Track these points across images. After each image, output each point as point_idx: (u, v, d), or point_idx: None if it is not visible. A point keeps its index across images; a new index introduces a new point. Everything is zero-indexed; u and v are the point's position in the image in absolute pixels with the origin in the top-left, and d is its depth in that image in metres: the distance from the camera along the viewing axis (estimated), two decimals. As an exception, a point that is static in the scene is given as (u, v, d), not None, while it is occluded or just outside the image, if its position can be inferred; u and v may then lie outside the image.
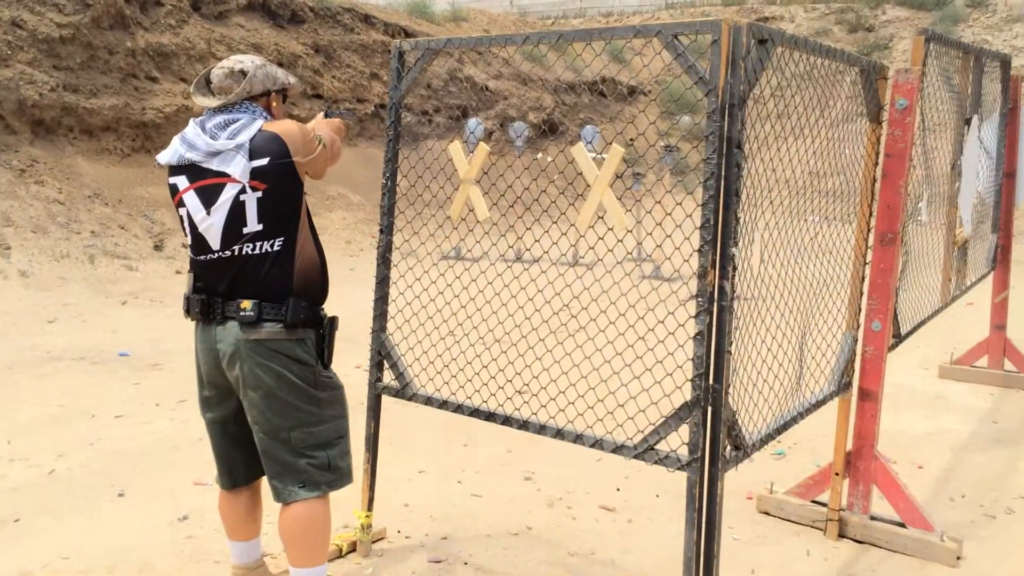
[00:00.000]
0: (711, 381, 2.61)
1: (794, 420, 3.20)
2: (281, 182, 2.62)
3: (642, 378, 2.81)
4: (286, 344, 2.65)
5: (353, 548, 3.44)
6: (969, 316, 7.19)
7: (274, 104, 2.81)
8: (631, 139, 2.99)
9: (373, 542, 3.50)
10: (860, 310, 3.70)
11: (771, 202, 3.20)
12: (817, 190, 3.48)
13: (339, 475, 2.78)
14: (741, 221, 2.63)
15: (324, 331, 2.75)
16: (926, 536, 3.60)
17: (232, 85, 2.72)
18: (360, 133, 15.35)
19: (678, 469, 2.67)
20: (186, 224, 2.72)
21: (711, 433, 2.64)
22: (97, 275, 9.10)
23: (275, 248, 2.64)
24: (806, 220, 3.35)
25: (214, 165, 2.61)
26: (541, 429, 2.96)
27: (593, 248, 2.93)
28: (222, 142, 2.61)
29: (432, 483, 4.18)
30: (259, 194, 2.60)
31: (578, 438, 2.86)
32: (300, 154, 2.67)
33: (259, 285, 2.64)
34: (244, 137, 2.61)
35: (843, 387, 3.67)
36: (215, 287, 2.69)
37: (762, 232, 3.00)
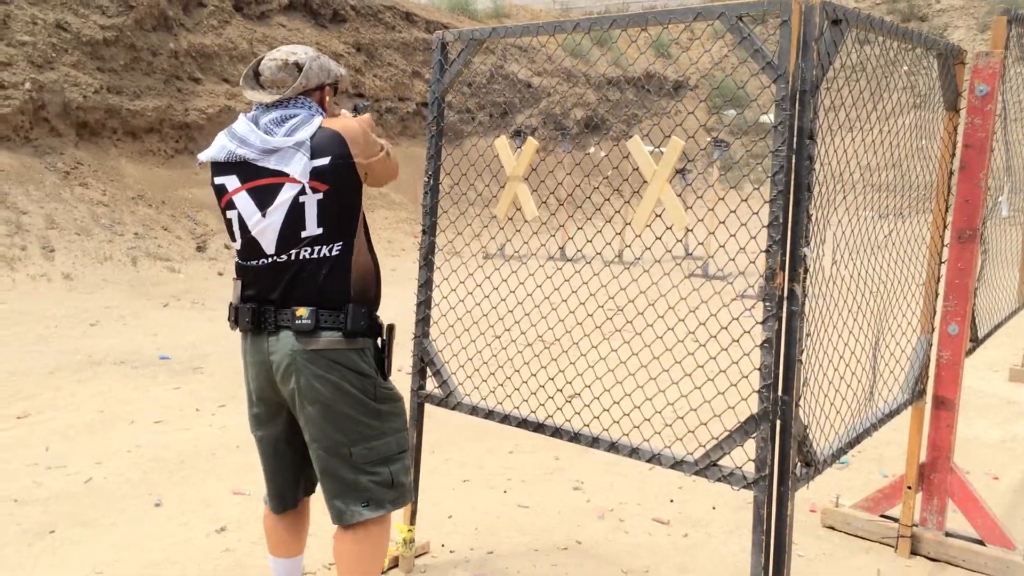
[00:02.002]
0: (780, 392, 2.40)
1: (867, 432, 2.97)
2: (343, 183, 2.44)
3: (703, 388, 2.59)
4: (345, 354, 2.46)
5: (395, 564, 3.28)
6: (1038, 315, 6.82)
7: (328, 98, 2.62)
8: (690, 135, 2.78)
9: (416, 557, 3.34)
10: (935, 312, 3.45)
11: (844, 197, 2.98)
12: (875, 185, 3.24)
13: (402, 492, 2.58)
14: (813, 219, 2.41)
15: (384, 340, 2.57)
16: (1007, 555, 3.34)
17: (285, 78, 2.52)
18: (402, 132, 15.27)
19: (744, 487, 2.46)
20: (236, 227, 2.51)
21: (780, 449, 2.43)
22: (140, 277, 9.10)
23: (333, 253, 2.46)
24: (876, 217, 3.11)
25: (271, 164, 2.42)
26: (593, 442, 2.77)
27: (650, 248, 2.73)
28: (280, 139, 2.42)
29: (477, 493, 4.01)
30: (320, 195, 2.41)
31: (633, 452, 2.67)
32: (362, 155, 2.49)
33: (316, 291, 2.45)
34: (304, 134, 2.42)
35: (917, 395, 3.42)
36: (267, 294, 2.49)
37: (834, 230, 2.78)
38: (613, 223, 2.73)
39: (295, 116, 2.48)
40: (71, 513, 3.75)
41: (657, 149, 2.76)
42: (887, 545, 3.55)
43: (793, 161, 2.35)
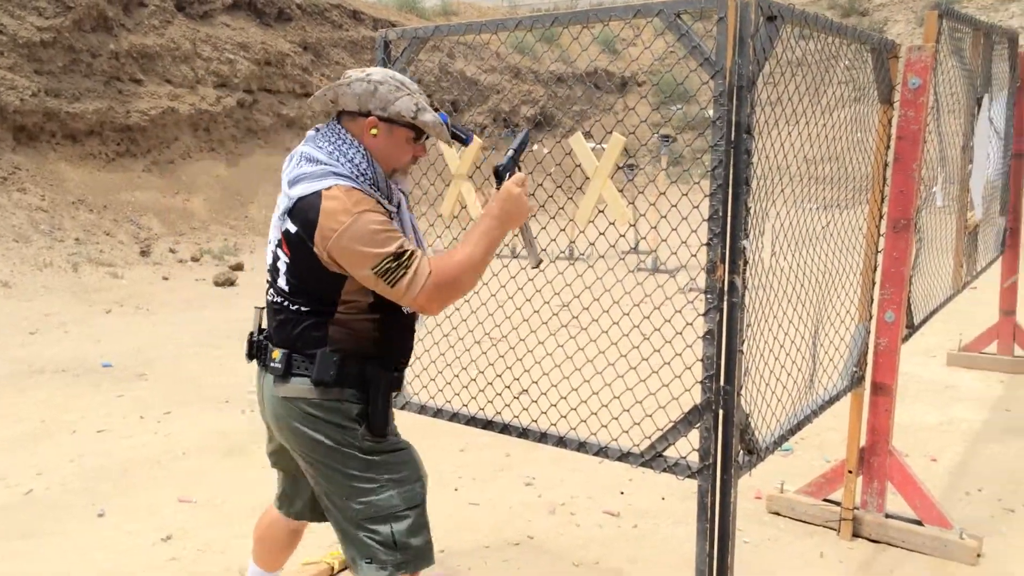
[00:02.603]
0: (722, 383, 2.44)
1: (808, 419, 3.04)
2: (306, 258, 2.14)
3: (648, 381, 2.63)
4: (316, 403, 2.21)
5: (345, 566, 3.27)
6: (973, 301, 7.00)
7: (372, 133, 2.21)
8: (631, 131, 2.81)
9: (368, 558, 3.33)
10: (873, 301, 3.53)
11: (782, 190, 3.04)
12: (817, 177, 3.31)
13: (412, 555, 2.28)
14: (752, 211, 2.46)
15: (371, 393, 2.24)
16: (944, 534, 3.44)
17: (331, 91, 2.24)
18: (349, 131, 15.14)
19: (688, 477, 2.50)
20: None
21: (723, 438, 2.47)
22: (81, 283, 8.90)
23: (304, 309, 2.22)
24: (809, 209, 3.18)
25: (278, 200, 2.26)
26: (542, 437, 2.79)
27: (593, 243, 2.76)
28: (285, 183, 2.19)
29: (428, 492, 4.00)
30: (286, 259, 2.20)
31: (581, 446, 2.69)
32: (329, 251, 2.09)
33: (291, 335, 2.23)
34: (298, 191, 2.13)
35: (856, 381, 3.50)
36: (269, 330, 2.34)
37: (773, 222, 2.83)
38: (558, 220, 2.74)
39: (316, 163, 2.17)
40: (11, 525, 3.66)
41: (599, 146, 2.79)
42: (830, 528, 3.63)
43: (731, 155, 2.40)
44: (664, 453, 2.57)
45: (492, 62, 16.70)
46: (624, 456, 2.62)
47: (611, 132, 2.70)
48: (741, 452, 2.55)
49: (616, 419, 2.64)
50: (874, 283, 3.52)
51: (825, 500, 3.74)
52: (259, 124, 13.86)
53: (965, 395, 5.47)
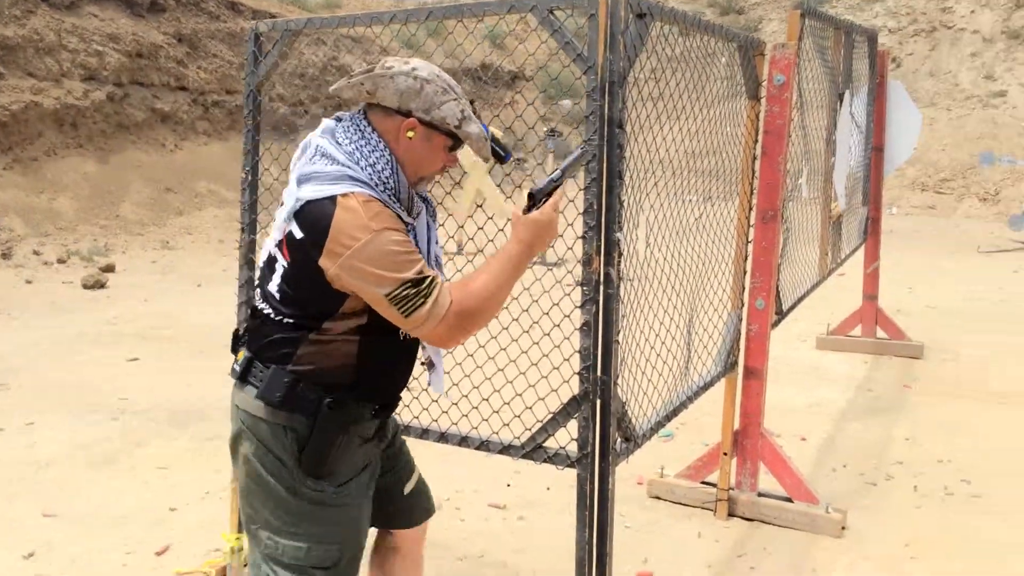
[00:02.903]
0: (599, 373, 2.49)
1: (683, 405, 3.13)
2: (307, 269, 1.90)
3: (528, 373, 2.67)
4: (262, 424, 1.97)
5: (223, 574, 3.18)
6: (840, 287, 7.36)
7: (408, 135, 1.97)
8: (509, 127, 2.82)
9: (245, 566, 3.24)
10: (744, 289, 3.67)
11: (655, 184, 3.12)
12: (699, 170, 3.42)
13: None
14: (625, 204, 2.52)
15: (318, 425, 1.95)
16: (812, 509, 3.62)
17: (369, 81, 1.97)
18: (231, 126, 14.71)
19: (567, 467, 2.54)
20: None
21: (601, 427, 2.52)
22: (-63, 286, 8.35)
23: (288, 321, 1.97)
24: (689, 201, 3.28)
25: (284, 194, 2.00)
26: (423, 433, 2.79)
27: (472, 238, 2.77)
28: (292, 180, 1.95)
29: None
30: (285, 263, 1.95)
31: (463, 440, 2.70)
32: (335, 268, 1.86)
33: (261, 342, 2.00)
34: (308, 192, 1.89)
35: (729, 367, 3.64)
36: (243, 326, 2.15)
37: (647, 215, 2.91)
38: (455, 216, 2.72)
39: (331, 160, 1.94)
40: None
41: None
42: (708, 509, 3.77)
43: (605, 150, 2.44)
44: (544, 444, 2.60)
45: (379, 56, 16.52)
46: (506, 449, 2.64)
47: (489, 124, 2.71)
48: (619, 440, 2.61)
49: (497, 412, 2.66)
50: (745, 272, 3.65)
51: (703, 482, 3.87)
52: (131, 119, 13.29)
53: (832, 377, 5.75)
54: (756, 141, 3.53)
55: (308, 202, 1.88)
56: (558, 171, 2.09)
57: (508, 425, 2.65)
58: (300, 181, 1.92)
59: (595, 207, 2.44)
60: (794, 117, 3.62)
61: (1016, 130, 12.29)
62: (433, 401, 2.76)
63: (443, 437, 2.74)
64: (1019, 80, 13.02)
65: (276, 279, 1.97)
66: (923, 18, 14.21)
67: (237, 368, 2.02)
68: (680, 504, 3.85)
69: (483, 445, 2.67)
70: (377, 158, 1.95)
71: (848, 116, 4.62)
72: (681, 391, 3.20)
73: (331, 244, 1.84)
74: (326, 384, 1.95)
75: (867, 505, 3.88)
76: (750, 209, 3.60)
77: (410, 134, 1.97)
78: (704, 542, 3.54)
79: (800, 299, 4.26)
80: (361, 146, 1.96)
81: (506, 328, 2.68)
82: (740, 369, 3.72)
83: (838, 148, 4.47)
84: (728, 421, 3.73)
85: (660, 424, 2.94)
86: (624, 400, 2.63)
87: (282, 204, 1.98)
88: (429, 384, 2.24)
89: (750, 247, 3.62)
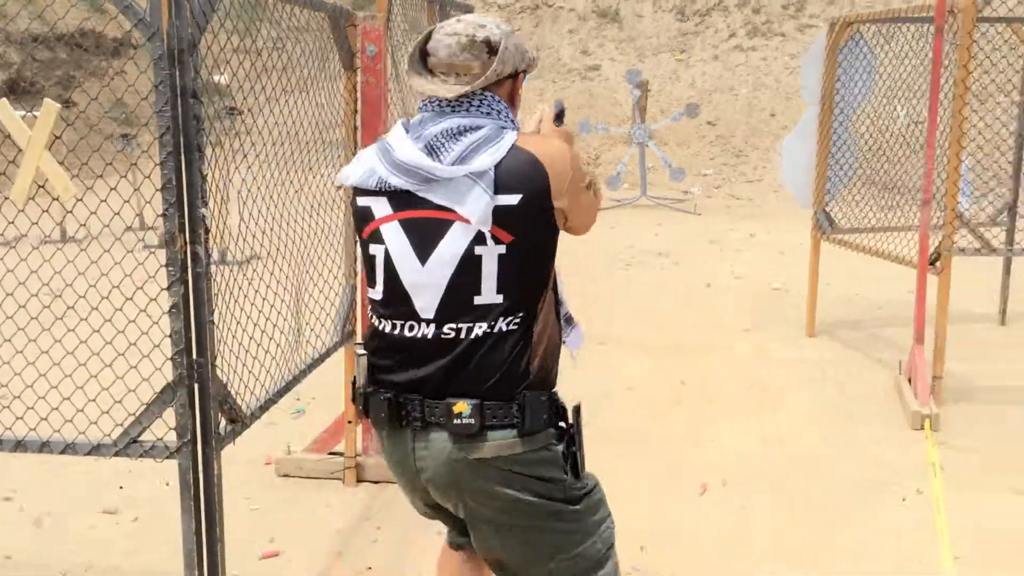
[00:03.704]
0: (195, 356, 2.39)
1: (296, 379, 3.11)
2: (535, 233, 1.80)
3: (115, 365, 2.48)
4: (523, 459, 1.82)
5: None
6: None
7: (519, 93, 1.95)
8: (119, 98, 2.56)
9: None
10: (356, 259, 3.72)
11: (257, 156, 3.03)
12: (305, 141, 3.40)
13: None
14: (209, 179, 2.41)
15: (572, 428, 1.89)
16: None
17: (470, 62, 1.82)
18: None
19: (168, 458, 2.42)
20: (379, 269, 1.86)
21: (201, 412, 2.42)
22: None
23: (511, 327, 1.80)
24: (295, 172, 3.25)
25: (436, 197, 1.77)
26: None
27: (84, 224, 2.50)
28: (448, 167, 1.76)
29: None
30: (502, 248, 1.77)
31: (44, 446, 2.45)
32: (567, 194, 1.81)
33: (483, 381, 1.79)
34: (487, 160, 1.75)
35: (347, 336, 3.67)
36: (414, 378, 1.83)
37: (239, 189, 2.82)
38: (39, 199, 2.38)
39: (477, 129, 1.80)
40: None
41: (31, 113, 2.51)
42: (337, 479, 3.81)
43: (180, 121, 2.32)
44: (140, 438, 2.45)
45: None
46: (95, 449, 2.44)
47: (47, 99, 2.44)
48: (223, 422, 2.53)
49: (82, 411, 2.45)
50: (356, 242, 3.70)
51: (331, 453, 3.90)
52: None
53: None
54: (355, 111, 3.57)
55: (498, 166, 1.76)
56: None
57: (96, 423, 2.45)
58: (460, 160, 1.76)
59: (174, 182, 2.31)
60: (391, 88, 3.71)
61: (609, 100, 13.77)
62: (5, 407, 2.47)
63: (20, 445, 2.46)
64: (609, 55, 14.59)
65: (491, 281, 1.77)
66: (526, -4, 15.35)
67: (470, 421, 1.76)
68: (310, 478, 3.85)
69: (69, 449, 2.44)
70: (508, 113, 1.90)
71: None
72: (294, 365, 3.17)
73: (555, 181, 1.78)
74: (550, 386, 1.88)
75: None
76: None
77: (521, 90, 1.98)
78: (333, 511, 3.58)
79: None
80: (500, 111, 1.88)
81: (85, 319, 2.47)
82: (359, 338, 3.78)
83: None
84: (349, 390, 3.77)
85: (272, 401, 2.90)
86: (226, 381, 2.55)
87: (465, 194, 1.76)
88: (567, 343, 2.02)
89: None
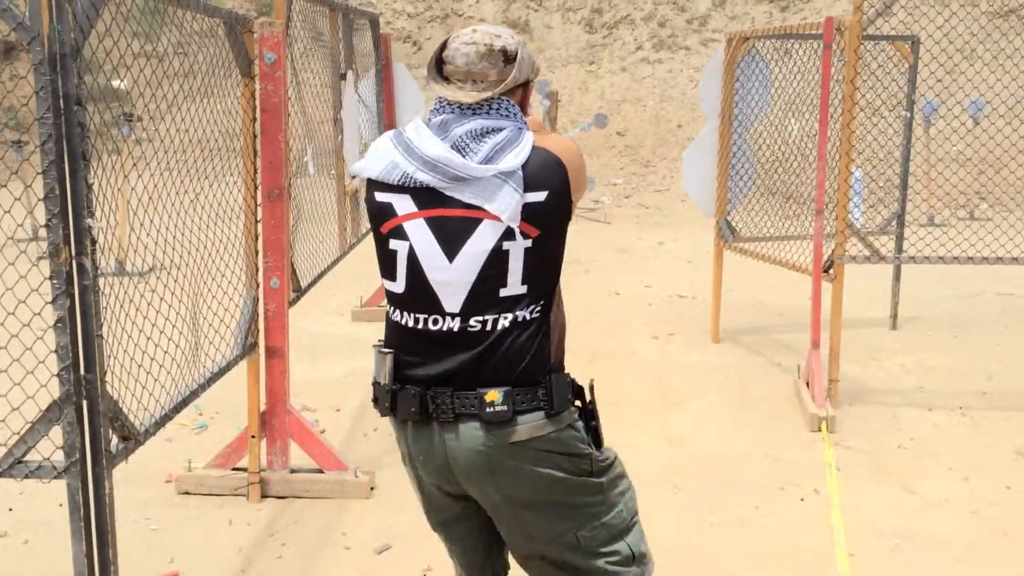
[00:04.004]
0: (83, 372, 2.30)
1: (195, 394, 3.03)
2: (556, 227, 1.91)
3: (-3, 382, 2.37)
4: (553, 439, 1.93)
5: None
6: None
7: (528, 100, 2.05)
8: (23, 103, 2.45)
9: None
10: (259, 269, 3.65)
11: (159, 164, 2.95)
12: (208, 149, 3.32)
13: (647, 561, 2.12)
14: (98, 188, 2.34)
15: (590, 403, 2.03)
16: (342, 476, 3.76)
17: (487, 70, 1.91)
18: None
19: (56, 478, 2.32)
20: (402, 265, 1.91)
21: (90, 430, 2.34)
22: None
23: (533, 315, 1.91)
24: (217, 181, 3.18)
25: (465, 195, 1.85)
26: None
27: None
28: (478, 165, 1.84)
29: None
30: (529, 243, 1.87)
31: (-84, 469, 2.32)
32: (579, 188, 1.96)
33: (511, 368, 1.89)
34: (515, 160, 1.86)
35: (249, 348, 3.60)
36: (440, 371, 1.90)
37: (128, 198, 2.74)
38: None
39: (500, 130, 1.89)
40: None
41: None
42: (240, 495, 3.72)
43: (63, 128, 2.24)
44: (26, 458, 2.34)
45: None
46: (-26, 470, 2.33)
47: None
48: (115, 440, 2.45)
49: (-41, 431, 2.33)
50: (257, 252, 3.63)
51: (234, 469, 3.80)
52: None
53: (367, 346, 5.95)
54: (254, 119, 3.51)
55: (524, 166, 1.86)
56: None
57: (-25, 444, 2.34)
58: (487, 160, 1.85)
59: (57, 192, 2.23)
60: (292, 96, 3.66)
61: (520, 110, 13.89)
62: None
63: None
64: (520, 65, 14.73)
65: (516, 274, 1.87)
66: (437, 5, 15.34)
67: (502, 407, 1.87)
68: (212, 495, 3.75)
69: (-55, 471, 2.32)
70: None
71: (353, 96, 4.81)
72: (192, 380, 3.09)
73: (573, 175, 1.91)
74: (562, 365, 2.01)
75: (394, 462, 4.08)
76: (256, 188, 3.58)
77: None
78: (236, 528, 3.49)
79: (321, 275, 4.36)
80: (516, 114, 1.96)
81: (-34, 333, 2.35)
82: (262, 350, 3.71)
83: (346, 127, 4.63)
84: (254, 403, 3.70)
85: (168, 417, 2.81)
86: (118, 398, 2.47)
87: (495, 191, 1.85)
88: None
89: (260, 227, 3.60)
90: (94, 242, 2.30)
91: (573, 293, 7.31)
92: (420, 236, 1.89)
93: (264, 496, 3.72)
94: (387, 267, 1.96)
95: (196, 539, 3.39)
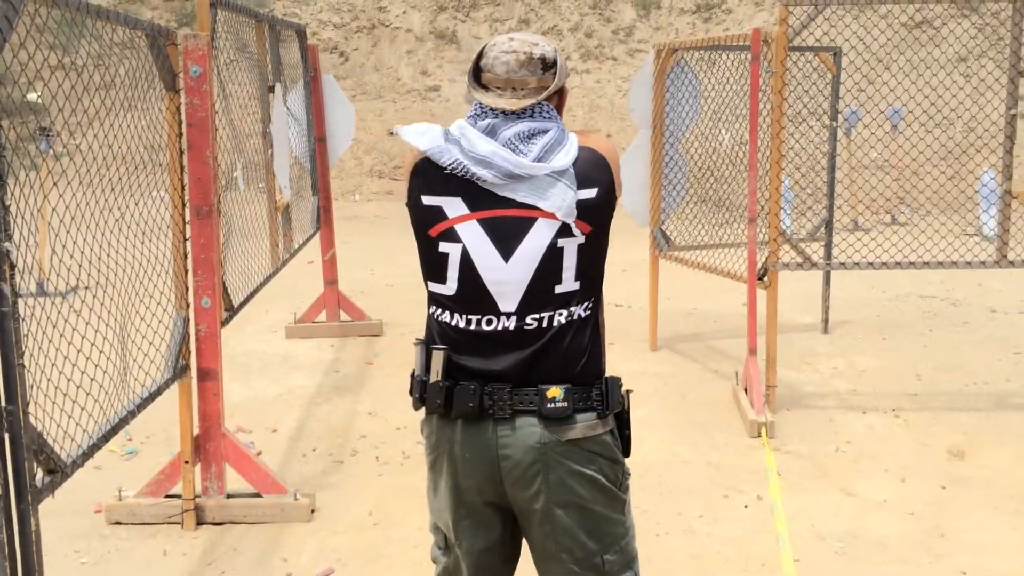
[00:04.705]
0: (3, 404, 2.18)
1: (124, 420, 2.90)
2: (605, 223, 1.97)
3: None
4: (601, 440, 1.97)
5: None
6: (311, 275, 7.58)
7: (564, 105, 2.06)
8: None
9: None
10: (188, 288, 3.53)
11: (82, 181, 2.82)
12: (134, 165, 3.19)
13: None
14: (13, 209, 2.21)
15: (626, 410, 2.03)
16: (281, 499, 3.65)
17: (527, 78, 1.93)
18: None
19: (-25, 517, 2.18)
20: (454, 267, 1.92)
21: (14, 464, 2.21)
22: None
23: (587, 312, 1.97)
24: (144, 197, 3.04)
25: (519, 194, 1.88)
26: None
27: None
28: (532, 163, 1.87)
29: None
30: (582, 239, 1.92)
31: None
32: (620, 185, 2.00)
33: (570, 365, 1.94)
34: (566, 159, 1.90)
35: (181, 371, 3.47)
36: (498, 368, 1.92)
37: (48, 218, 2.61)
38: None
39: (545, 131, 1.92)
40: None
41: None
42: (175, 523, 3.58)
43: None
44: (-59, 497, 2.20)
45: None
46: None
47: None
48: (40, 475, 2.32)
49: None
50: (187, 271, 3.51)
51: (167, 496, 3.66)
52: None
53: (302, 363, 5.88)
54: (180, 134, 3.39)
55: (575, 163, 1.90)
56: None
57: None
58: (540, 158, 1.88)
59: (-29, 214, 2.10)
60: (219, 110, 3.55)
61: (449, 121, 13.79)
62: None
63: None
64: (449, 76, 14.67)
65: (571, 270, 1.91)
66: (363, 15, 15.20)
67: (563, 403, 1.89)
68: (145, 524, 3.60)
69: None
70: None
71: (282, 109, 4.70)
72: (122, 406, 2.96)
73: (615, 173, 1.97)
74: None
75: (335, 483, 4.03)
76: (183, 205, 3.46)
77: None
78: (171, 559, 3.35)
79: (253, 293, 4.23)
80: (556, 117, 1.99)
81: None
82: (194, 372, 3.58)
83: (275, 140, 4.52)
84: (187, 427, 3.57)
85: (96, 447, 2.69)
86: (42, 429, 2.34)
87: (546, 189, 1.88)
88: None
89: (189, 244, 3.48)
90: (12, 267, 2.17)
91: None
92: (474, 237, 1.91)
93: (200, 523, 3.59)
94: (436, 270, 1.97)
95: (129, 572, 3.25)
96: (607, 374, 2.02)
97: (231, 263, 3.88)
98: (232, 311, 3.86)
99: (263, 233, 4.52)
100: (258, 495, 3.67)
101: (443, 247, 1.94)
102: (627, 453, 2.05)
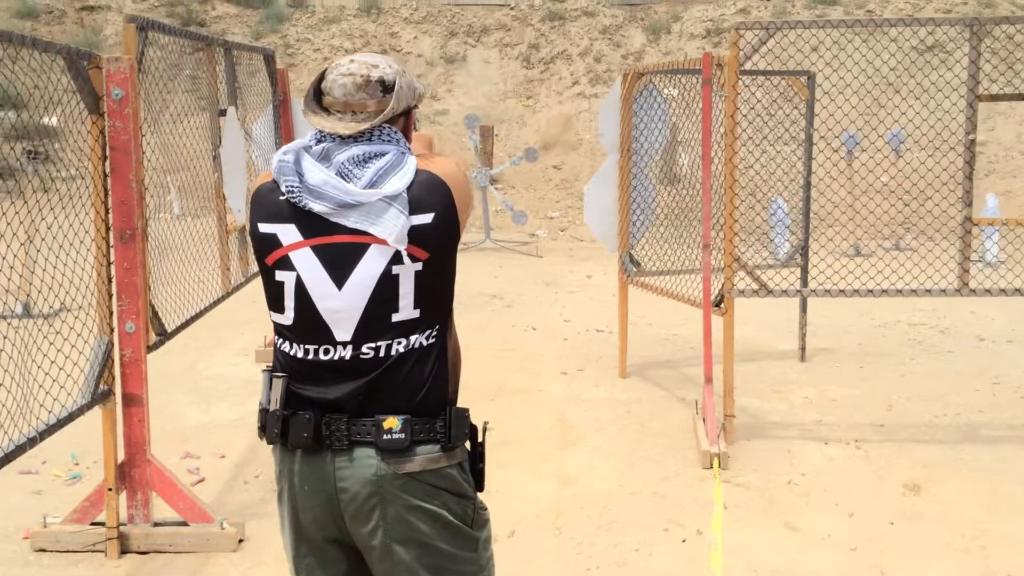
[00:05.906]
0: None
1: (22, 448, 2.87)
2: (446, 248, 1.91)
3: None
4: (445, 474, 1.89)
5: None
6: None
7: (412, 126, 2.03)
8: None
9: None
10: (112, 313, 3.50)
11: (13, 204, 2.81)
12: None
13: None
14: None
15: (479, 443, 1.98)
16: (207, 528, 3.60)
17: (365, 101, 1.88)
18: None
19: None
20: (290, 296, 1.87)
21: None
22: None
23: (429, 341, 1.89)
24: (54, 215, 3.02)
25: (350, 221, 1.83)
26: None
27: None
28: (363, 190, 1.83)
29: None
30: (419, 265, 1.85)
31: None
32: (465, 208, 1.94)
33: (410, 396, 1.87)
34: (399, 183, 1.85)
35: (101, 396, 3.44)
36: (335, 398, 1.86)
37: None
38: None
39: (382, 155, 1.87)
40: None
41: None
42: (99, 552, 3.54)
43: None
44: None
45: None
46: None
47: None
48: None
49: None
50: (111, 295, 3.49)
51: (93, 523, 3.62)
52: None
53: (258, 389, 5.83)
54: (104, 157, 3.38)
55: (409, 188, 1.84)
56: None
57: None
58: (371, 185, 1.83)
59: None
60: (146, 133, 3.54)
61: (456, 144, 13.86)
62: None
63: None
64: (457, 100, 14.72)
65: (408, 298, 1.85)
66: (375, 40, 15.34)
67: (400, 435, 1.83)
68: (69, 552, 3.56)
69: None
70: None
71: (237, 132, 4.69)
72: (26, 432, 2.93)
73: (458, 195, 1.90)
74: (456, 399, 1.98)
75: (272, 511, 3.96)
76: (107, 229, 3.44)
77: (416, 124, 2.04)
78: (88, 587, 3.31)
79: (196, 317, 4.21)
80: (399, 139, 1.93)
81: None
82: (119, 397, 3.55)
83: (227, 164, 4.51)
84: (111, 453, 3.53)
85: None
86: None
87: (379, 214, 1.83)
88: None
89: (113, 269, 3.46)
90: None
91: (489, 328, 7.24)
92: (307, 265, 1.86)
93: (124, 552, 3.54)
94: (274, 299, 1.92)
95: (42, 601, 3.21)
96: (458, 405, 1.96)
97: (164, 288, 3.85)
98: (165, 336, 3.83)
99: (209, 257, 4.50)
100: (185, 524, 3.62)
101: (279, 275, 1.89)
102: (480, 488, 1.98)
